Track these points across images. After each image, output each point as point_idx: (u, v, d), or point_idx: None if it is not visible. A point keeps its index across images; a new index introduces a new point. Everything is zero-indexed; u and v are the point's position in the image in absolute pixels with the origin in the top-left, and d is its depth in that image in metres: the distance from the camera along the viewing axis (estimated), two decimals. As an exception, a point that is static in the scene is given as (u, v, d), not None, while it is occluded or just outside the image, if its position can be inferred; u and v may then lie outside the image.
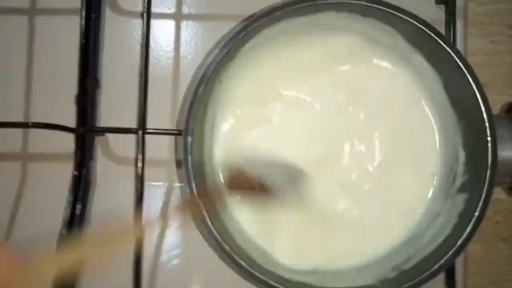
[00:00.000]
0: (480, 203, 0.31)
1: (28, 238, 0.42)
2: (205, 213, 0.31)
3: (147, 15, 0.38)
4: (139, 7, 0.43)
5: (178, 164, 0.42)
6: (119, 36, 0.43)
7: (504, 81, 0.44)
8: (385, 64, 0.38)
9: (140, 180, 0.37)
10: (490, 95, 0.36)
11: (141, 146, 0.37)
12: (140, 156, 0.37)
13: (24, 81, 0.43)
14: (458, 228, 0.33)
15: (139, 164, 0.37)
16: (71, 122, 0.40)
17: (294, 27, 0.34)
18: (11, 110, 0.42)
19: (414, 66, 0.37)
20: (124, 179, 0.41)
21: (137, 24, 0.43)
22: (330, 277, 0.35)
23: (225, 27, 0.40)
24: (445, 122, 0.37)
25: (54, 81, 0.42)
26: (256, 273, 0.31)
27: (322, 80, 0.38)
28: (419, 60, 0.36)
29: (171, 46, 0.43)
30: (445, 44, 0.33)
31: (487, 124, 0.32)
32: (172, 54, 0.43)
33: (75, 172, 0.40)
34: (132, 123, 0.39)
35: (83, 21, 0.40)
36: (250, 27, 0.30)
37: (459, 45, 0.42)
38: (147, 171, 0.38)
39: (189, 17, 0.43)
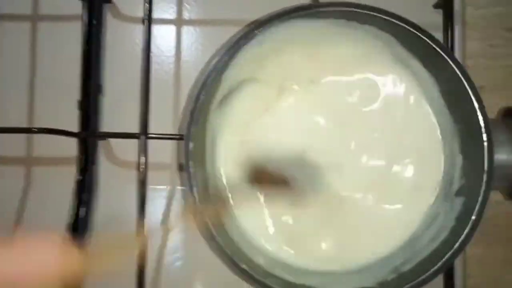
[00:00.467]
0: (477, 207, 0.32)
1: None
2: (207, 219, 0.31)
3: (148, 20, 0.38)
4: (140, 13, 0.43)
5: (180, 167, 0.43)
6: (120, 41, 0.43)
7: (502, 84, 0.45)
8: (385, 70, 0.38)
9: (142, 184, 0.37)
10: (488, 98, 0.37)
11: (144, 151, 0.38)
12: (142, 161, 0.38)
13: (27, 86, 0.43)
14: (456, 231, 0.33)
15: (142, 169, 0.37)
16: (74, 127, 0.41)
17: (293, 34, 0.35)
18: (15, 115, 0.43)
19: (413, 71, 0.37)
20: (126, 183, 0.41)
21: (138, 30, 0.43)
22: (330, 279, 0.35)
23: (225, 32, 0.40)
24: (442, 126, 0.37)
25: (57, 86, 0.43)
26: (258, 277, 0.32)
27: (325, 83, 0.38)
28: (417, 65, 0.36)
29: (172, 51, 0.44)
30: (439, 48, 0.33)
31: (483, 129, 0.32)
32: (173, 59, 0.44)
33: (78, 177, 0.41)
34: (134, 127, 0.39)
35: (85, 27, 0.41)
36: (251, 34, 0.31)
37: (457, 49, 0.43)
38: (149, 174, 0.38)
39: (189, 22, 0.44)
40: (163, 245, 0.42)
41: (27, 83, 0.43)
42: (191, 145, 0.31)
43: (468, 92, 0.32)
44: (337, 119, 0.38)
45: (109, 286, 0.39)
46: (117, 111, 0.43)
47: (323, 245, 0.37)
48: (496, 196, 0.35)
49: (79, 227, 0.41)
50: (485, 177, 0.32)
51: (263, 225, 0.37)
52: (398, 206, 0.37)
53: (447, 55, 0.32)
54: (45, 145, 0.43)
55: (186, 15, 0.44)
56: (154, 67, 0.42)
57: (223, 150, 0.38)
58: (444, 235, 0.34)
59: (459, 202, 0.34)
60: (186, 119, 0.33)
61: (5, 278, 0.22)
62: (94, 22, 0.42)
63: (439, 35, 0.41)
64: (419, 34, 0.32)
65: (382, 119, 0.38)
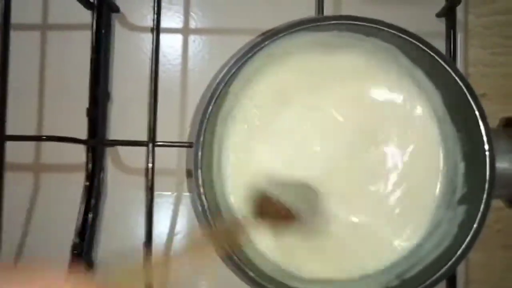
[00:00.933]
0: (479, 215, 0.32)
1: (41, 247, 0.43)
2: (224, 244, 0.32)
3: (157, 30, 0.39)
4: (148, 22, 0.44)
5: (187, 173, 0.43)
6: (128, 50, 0.44)
7: (504, 92, 0.45)
8: (389, 82, 0.38)
9: (150, 191, 0.38)
10: (490, 106, 0.37)
11: (151, 158, 0.38)
12: (150, 168, 0.38)
13: (36, 94, 0.44)
14: (458, 239, 0.33)
15: (149, 176, 0.38)
16: (82, 134, 0.41)
17: (299, 46, 0.35)
18: (24, 122, 0.43)
19: (417, 82, 0.37)
20: (134, 189, 0.42)
21: (146, 39, 0.44)
22: (335, 287, 0.36)
23: (231, 41, 0.40)
24: (445, 135, 0.37)
25: (65, 94, 0.44)
26: (263, 282, 0.32)
27: (330, 96, 0.38)
28: (421, 76, 0.37)
29: (179, 59, 0.44)
30: (440, 59, 0.33)
31: (485, 138, 0.32)
32: (179, 67, 0.44)
33: (86, 183, 0.42)
34: (142, 135, 0.39)
35: (93, 36, 0.42)
36: (259, 46, 0.31)
37: (460, 57, 0.43)
38: (156, 180, 0.38)
39: (196, 31, 0.44)
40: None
41: (37, 91, 0.44)
42: (199, 154, 0.32)
43: (470, 104, 0.32)
44: (339, 132, 0.38)
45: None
46: (125, 118, 0.44)
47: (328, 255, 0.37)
48: (498, 203, 0.36)
49: (86, 232, 0.41)
50: (487, 185, 0.32)
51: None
52: (405, 216, 0.38)
53: (450, 68, 0.32)
54: (53, 152, 0.44)
55: (192, 24, 0.44)
56: (161, 75, 0.42)
57: (230, 171, 0.38)
58: (447, 242, 0.34)
59: (461, 210, 0.35)
60: (195, 128, 0.33)
61: None
62: (103, 31, 0.43)
63: (442, 43, 0.42)
64: (417, 43, 0.33)
65: (385, 129, 0.38)
